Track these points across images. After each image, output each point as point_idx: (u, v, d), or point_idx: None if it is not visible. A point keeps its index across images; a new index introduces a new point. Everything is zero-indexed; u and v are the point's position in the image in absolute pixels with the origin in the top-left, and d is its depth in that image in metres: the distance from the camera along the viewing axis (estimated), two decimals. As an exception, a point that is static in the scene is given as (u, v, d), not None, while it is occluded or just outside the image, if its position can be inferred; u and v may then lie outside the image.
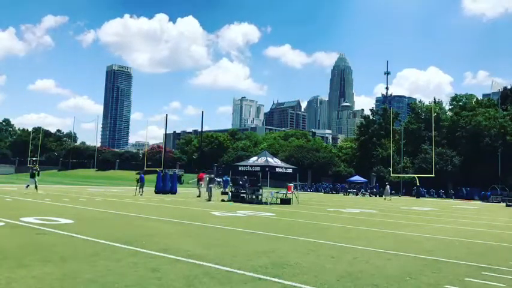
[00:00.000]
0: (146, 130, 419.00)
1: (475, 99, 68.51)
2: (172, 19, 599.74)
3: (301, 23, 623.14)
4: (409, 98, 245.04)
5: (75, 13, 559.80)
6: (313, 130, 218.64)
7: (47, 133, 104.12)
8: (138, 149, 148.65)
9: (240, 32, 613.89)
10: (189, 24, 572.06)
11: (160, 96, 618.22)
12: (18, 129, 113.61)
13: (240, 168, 24.86)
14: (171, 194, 28.96)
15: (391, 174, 54.95)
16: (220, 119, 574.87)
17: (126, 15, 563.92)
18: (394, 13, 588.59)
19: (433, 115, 55.00)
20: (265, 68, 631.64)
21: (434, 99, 70.23)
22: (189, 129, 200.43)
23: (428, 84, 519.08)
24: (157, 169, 44.45)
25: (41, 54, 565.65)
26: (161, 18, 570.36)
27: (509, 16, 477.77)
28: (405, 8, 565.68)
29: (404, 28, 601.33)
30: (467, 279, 5.97)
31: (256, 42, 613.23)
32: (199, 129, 74.64)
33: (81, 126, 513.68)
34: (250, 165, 24.10)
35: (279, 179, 26.02)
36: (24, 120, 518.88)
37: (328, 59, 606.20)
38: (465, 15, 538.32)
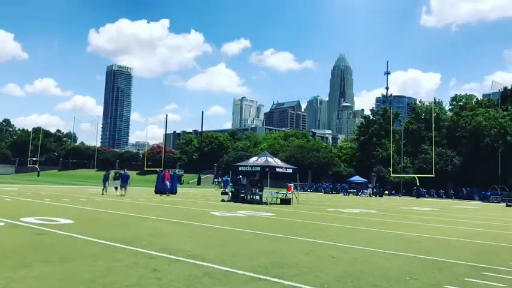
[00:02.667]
0: (146, 130, 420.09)
1: (475, 100, 68.53)
2: (172, 28, 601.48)
3: (288, 27, 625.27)
4: (409, 98, 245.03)
5: (77, 15, 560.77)
6: (313, 130, 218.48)
7: (47, 133, 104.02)
8: (138, 149, 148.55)
9: (236, 44, 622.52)
10: (187, 33, 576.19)
11: (159, 98, 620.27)
12: (18, 130, 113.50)
13: (240, 169, 24.84)
14: (171, 194, 28.93)
15: (391, 174, 54.94)
16: (216, 120, 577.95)
17: (126, 20, 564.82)
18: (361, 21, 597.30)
19: (433, 115, 55.02)
20: (258, 74, 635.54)
21: (434, 99, 70.24)
22: (189, 130, 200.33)
23: (410, 87, 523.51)
24: (158, 169, 44.46)
25: (42, 56, 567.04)
26: (163, 23, 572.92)
27: (472, 28, 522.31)
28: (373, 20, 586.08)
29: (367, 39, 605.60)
30: (467, 279, 5.97)
31: (249, 51, 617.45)
32: (199, 129, 74.74)
33: (81, 127, 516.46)
34: (250, 165, 24.08)
35: (279, 179, 25.99)
36: (26, 121, 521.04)
37: (317, 64, 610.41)
38: (429, 29, 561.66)
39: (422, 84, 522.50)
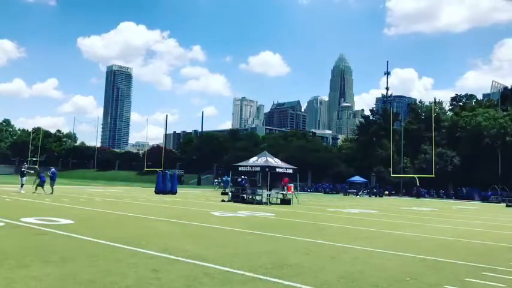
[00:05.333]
0: (146, 130, 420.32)
1: (475, 100, 68.55)
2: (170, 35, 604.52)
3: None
4: (409, 98, 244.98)
5: (80, 19, 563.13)
6: (313, 130, 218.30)
7: (46, 133, 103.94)
8: (138, 149, 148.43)
9: (229, 55, 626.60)
10: (183, 40, 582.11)
11: (155, 100, 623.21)
12: (18, 130, 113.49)
13: (240, 169, 24.84)
14: (171, 194, 28.96)
15: (391, 175, 54.92)
16: (211, 120, 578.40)
17: (126, 26, 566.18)
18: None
19: (433, 115, 54.96)
20: (254, 78, 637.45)
21: (435, 99, 70.25)
22: (189, 130, 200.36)
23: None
24: (158, 169, 44.47)
25: (43, 60, 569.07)
26: (161, 33, 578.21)
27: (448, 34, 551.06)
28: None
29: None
30: (467, 279, 5.97)
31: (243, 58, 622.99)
32: (199, 130, 74.81)
33: (81, 127, 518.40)
34: (250, 166, 24.09)
35: (279, 180, 26.11)
36: (29, 123, 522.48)
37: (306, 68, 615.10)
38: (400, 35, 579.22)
39: (404, 87, 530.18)
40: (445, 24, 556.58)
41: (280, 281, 5.33)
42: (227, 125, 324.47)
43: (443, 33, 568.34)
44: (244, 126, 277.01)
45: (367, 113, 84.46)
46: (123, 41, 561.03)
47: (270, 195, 22.76)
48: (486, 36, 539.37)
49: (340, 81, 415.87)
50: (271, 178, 23.48)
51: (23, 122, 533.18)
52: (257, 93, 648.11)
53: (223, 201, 23.41)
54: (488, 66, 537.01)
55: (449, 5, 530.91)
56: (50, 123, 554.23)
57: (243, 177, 24.65)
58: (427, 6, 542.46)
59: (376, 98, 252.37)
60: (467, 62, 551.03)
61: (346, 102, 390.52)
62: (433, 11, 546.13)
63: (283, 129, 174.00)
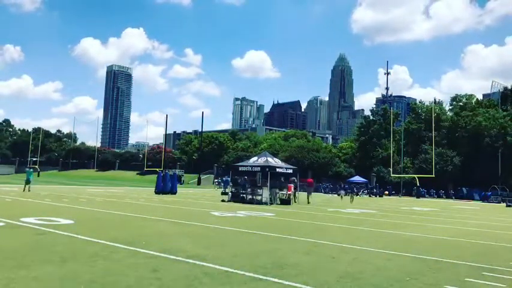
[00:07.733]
0: (146, 130, 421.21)
1: (475, 100, 68.51)
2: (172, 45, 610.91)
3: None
4: (409, 98, 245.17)
5: (78, 25, 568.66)
6: (313, 130, 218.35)
7: (47, 133, 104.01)
8: (138, 149, 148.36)
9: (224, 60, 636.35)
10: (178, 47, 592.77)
11: (155, 100, 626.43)
12: (19, 130, 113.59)
13: (240, 169, 24.84)
14: (171, 194, 28.95)
15: (391, 175, 54.93)
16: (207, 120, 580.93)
17: (129, 30, 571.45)
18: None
19: (433, 115, 54.96)
20: (248, 82, 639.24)
21: (435, 99, 70.28)
22: (189, 130, 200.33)
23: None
24: (158, 169, 44.48)
25: (41, 57, 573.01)
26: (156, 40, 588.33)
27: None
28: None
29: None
30: (467, 279, 5.97)
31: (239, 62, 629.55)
32: (200, 130, 74.69)
33: (81, 127, 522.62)
34: (250, 166, 24.08)
35: (279, 179, 26.18)
36: (31, 123, 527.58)
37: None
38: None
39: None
40: (414, 34, 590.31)
41: (280, 281, 5.33)
42: (224, 126, 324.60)
43: (412, 43, 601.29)
44: (244, 126, 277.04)
45: (367, 113, 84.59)
46: (122, 46, 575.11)
47: (271, 194, 22.73)
48: (453, 44, 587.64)
49: (340, 81, 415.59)
50: (271, 178, 23.45)
51: (27, 124, 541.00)
52: (256, 94, 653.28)
53: (223, 201, 23.40)
54: (459, 70, 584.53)
55: (416, 18, 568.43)
56: (52, 125, 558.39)
57: (242, 177, 24.64)
58: (396, 19, 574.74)
59: (376, 99, 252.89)
60: (439, 68, 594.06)
61: (346, 102, 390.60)
62: (403, 23, 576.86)
63: (283, 129, 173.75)
